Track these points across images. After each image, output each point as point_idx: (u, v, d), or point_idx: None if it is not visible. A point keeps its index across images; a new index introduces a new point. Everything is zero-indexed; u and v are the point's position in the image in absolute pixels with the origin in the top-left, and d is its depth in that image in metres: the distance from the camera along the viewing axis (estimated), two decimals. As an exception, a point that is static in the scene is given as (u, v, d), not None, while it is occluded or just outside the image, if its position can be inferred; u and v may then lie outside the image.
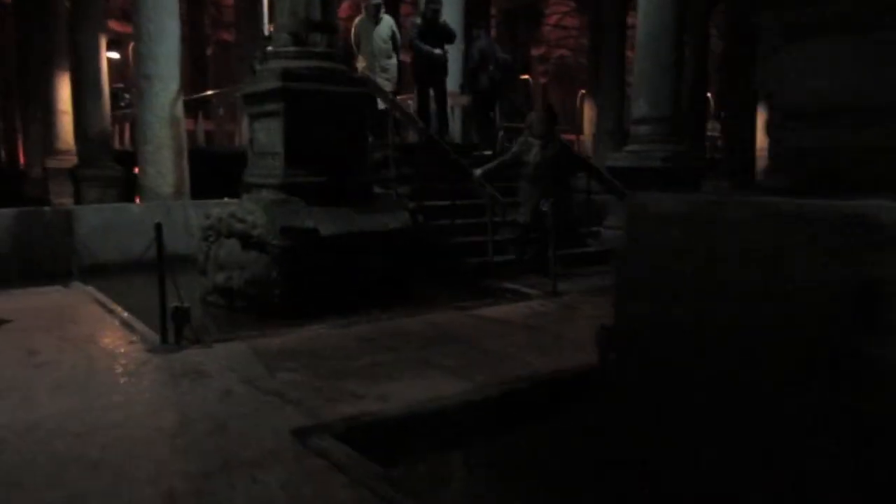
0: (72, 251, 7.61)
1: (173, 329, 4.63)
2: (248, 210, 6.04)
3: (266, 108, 6.21)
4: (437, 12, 8.94)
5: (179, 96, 9.88)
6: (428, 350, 4.52)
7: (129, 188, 13.80)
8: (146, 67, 9.68)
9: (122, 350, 4.56)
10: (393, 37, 9.01)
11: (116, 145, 14.76)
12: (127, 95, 16.17)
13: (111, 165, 13.32)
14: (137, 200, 13.52)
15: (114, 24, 19.04)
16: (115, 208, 8.62)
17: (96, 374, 4.08)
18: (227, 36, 23.59)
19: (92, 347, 4.67)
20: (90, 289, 6.59)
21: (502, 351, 4.54)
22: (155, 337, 4.75)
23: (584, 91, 21.63)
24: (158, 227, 4.60)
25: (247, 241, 5.95)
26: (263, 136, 6.35)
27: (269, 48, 6.64)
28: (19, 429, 3.21)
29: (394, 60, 9.04)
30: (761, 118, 16.26)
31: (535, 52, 23.26)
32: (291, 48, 6.19)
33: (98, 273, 7.27)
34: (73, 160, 14.33)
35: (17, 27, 17.77)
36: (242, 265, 5.96)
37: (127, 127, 15.05)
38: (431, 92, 9.19)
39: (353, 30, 9.06)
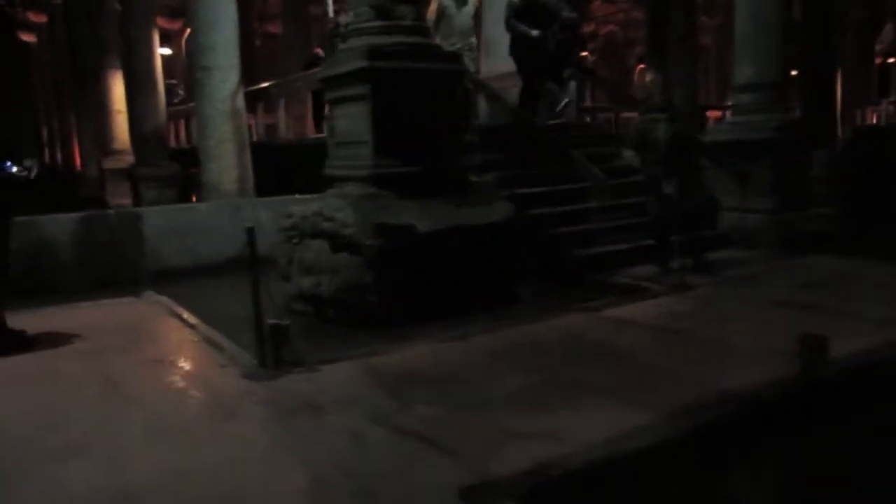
0: (139, 256, 6.98)
1: (271, 350, 3.92)
2: (335, 207, 5.29)
3: (349, 91, 5.44)
4: None
5: (240, 87, 9.21)
6: (574, 366, 3.73)
7: (186, 187, 13.26)
8: (204, 58, 9.01)
9: (215, 378, 3.85)
10: (475, 13, 8.12)
11: (172, 143, 14.20)
12: (181, 91, 15.61)
13: (168, 164, 12.77)
14: (193, 199, 12.99)
15: (161, 22, 18.48)
16: (181, 209, 7.97)
17: (191, 411, 3.38)
18: (274, 28, 22.96)
19: (178, 374, 3.98)
20: (164, 299, 5.91)
21: (660, 364, 3.73)
22: (248, 359, 4.05)
23: (642, 66, 20.53)
24: (251, 232, 3.87)
25: (336, 241, 5.21)
26: (346, 122, 5.58)
27: (349, 24, 5.85)
28: (115, 497, 2.50)
29: (475, 39, 8.18)
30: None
31: (585, 29, 22.20)
32: (375, 22, 5.39)
33: (165, 279, 6.60)
34: (129, 160, 13.82)
35: (68, 26, 17.30)
36: (332, 269, 5.22)
37: (182, 123, 14.47)
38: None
39: (432, 6, 8.04)
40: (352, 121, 5.50)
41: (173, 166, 12.76)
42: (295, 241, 5.56)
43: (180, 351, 4.49)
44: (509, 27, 7.64)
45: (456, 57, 5.73)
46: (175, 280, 6.60)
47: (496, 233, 5.56)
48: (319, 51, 13.18)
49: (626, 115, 11.52)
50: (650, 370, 3.64)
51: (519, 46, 7.69)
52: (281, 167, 10.24)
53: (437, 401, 3.26)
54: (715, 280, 5.55)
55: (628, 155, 6.32)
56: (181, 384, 3.76)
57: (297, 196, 8.27)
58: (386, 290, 5.07)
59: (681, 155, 5.67)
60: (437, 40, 6.90)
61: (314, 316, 5.39)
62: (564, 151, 6.42)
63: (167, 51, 15.15)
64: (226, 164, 9.12)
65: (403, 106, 5.35)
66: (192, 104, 14.16)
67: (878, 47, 22.03)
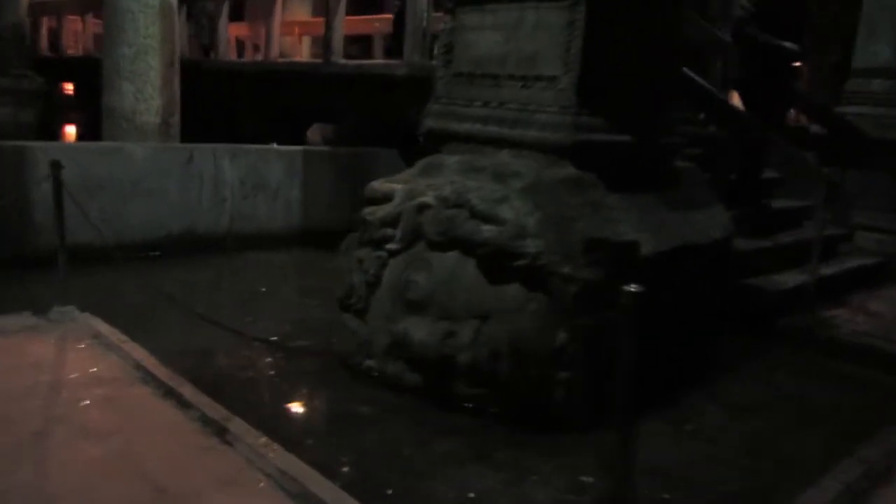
0: (30, 226, 3.88)
1: None
2: (494, 196, 2.64)
3: (524, -19, 2.77)
4: None
5: (175, -27, 5.98)
6: None
7: (49, 109, 9.56)
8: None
9: None
10: None
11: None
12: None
13: (29, 75, 9.00)
14: (74, 129, 9.41)
15: None
16: (102, 151, 4.64)
17: None
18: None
19: None
20: (102, 325, 2.98)
21: None
22: None
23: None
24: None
25: (497, 261, 2.58)
26: (496, 38, 2.90)
27: None
28: None
29: None
30: None
31: None
32: None
33: (74, 265, 3.54)
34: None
35: None
36: (483, 311, 2.59)
37: (45, 23, 10.50)
38: None
39: None
40: (514, 35, 2.85)
41: (36, 79, 9.02)
42: (391, 247, 2.83)
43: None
44: (742, 35, 4.55)
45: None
46: (89, 267, 3.64)
47: (717, 256, 3.18)
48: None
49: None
50: None
51: (755, 62, 4.54)
52: (224, 103, 7.09)
53: None
54: None
55: None
56: None
57: (276, 147, 5.39)
58: (591, 362, 2.55)
59: None
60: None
61: (416, 392, 2.74)
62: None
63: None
64: (146, 85, 5.88)
65: (626, 27, 2.78)
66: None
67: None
